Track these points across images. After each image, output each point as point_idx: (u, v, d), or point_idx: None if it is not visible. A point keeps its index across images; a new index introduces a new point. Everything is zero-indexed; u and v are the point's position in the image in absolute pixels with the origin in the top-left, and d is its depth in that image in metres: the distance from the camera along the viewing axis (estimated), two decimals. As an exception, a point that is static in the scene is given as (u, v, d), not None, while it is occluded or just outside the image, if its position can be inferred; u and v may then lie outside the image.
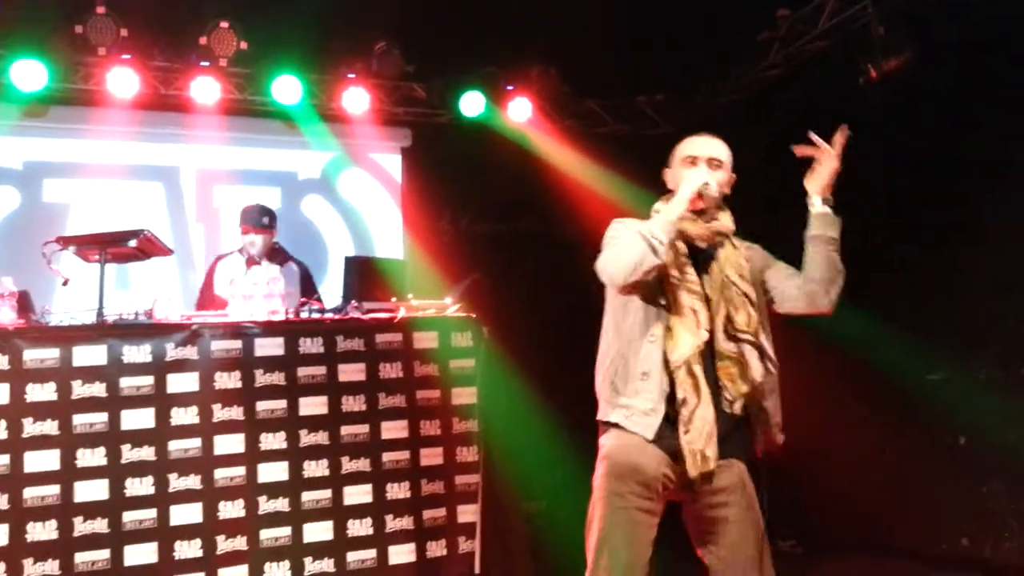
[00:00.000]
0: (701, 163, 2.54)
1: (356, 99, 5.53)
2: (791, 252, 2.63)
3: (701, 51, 5.75)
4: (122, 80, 4.99)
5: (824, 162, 2.49)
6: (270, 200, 5.72)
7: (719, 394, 2.45)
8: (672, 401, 2.43)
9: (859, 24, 5.06)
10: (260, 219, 4.50)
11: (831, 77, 5.19)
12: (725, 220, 2.58)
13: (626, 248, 2.43)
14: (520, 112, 5.92)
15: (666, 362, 2.43)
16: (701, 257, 2.54)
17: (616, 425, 2.53)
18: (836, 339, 4.51)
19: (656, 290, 2.48)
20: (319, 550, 3.71)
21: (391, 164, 6.11)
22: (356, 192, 5.99)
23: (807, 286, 2.55)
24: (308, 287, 4.49)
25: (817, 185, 2.52)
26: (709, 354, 2.45)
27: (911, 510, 4.74)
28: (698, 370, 2.41)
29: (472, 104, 5.78)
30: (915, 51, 4.68)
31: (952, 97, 4.54)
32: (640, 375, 2.46)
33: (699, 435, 2.39)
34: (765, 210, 5.00)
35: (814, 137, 2.48)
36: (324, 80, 5.54)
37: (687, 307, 2.46)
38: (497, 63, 5.87)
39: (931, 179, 4.68)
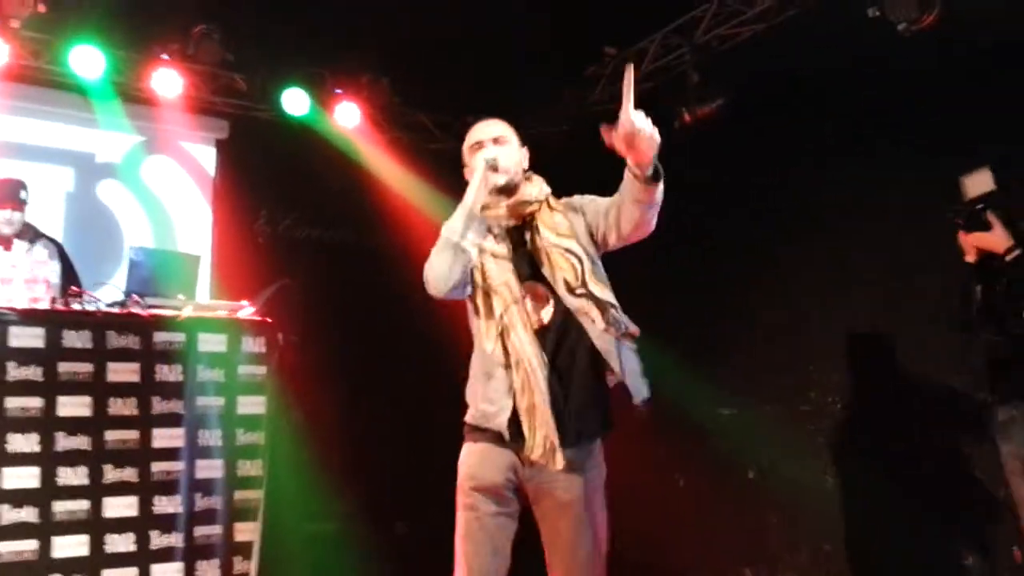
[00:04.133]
0: (487, 144, 2.54)
1: (168, 82, 5.15)
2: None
3: (534, 76, 5.81)
4: None
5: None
6: (62, 181, 5.26)
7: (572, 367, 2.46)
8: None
9: (677, 71, 5.26)
10: (17, 193, 4.09)
11: (651, 118, 5.35)
12: (529, 190, 2.55)
13: (435, 255, 2.41)
14: (348, 117, 5.74)
15: (507, 357, 2.42)
16: (521, 233, 2.54)
17: (473, 428, 2.52)
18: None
19: (480, 284, 2.47)
20: (71, 566, 3.37)
21: (204, 155, 5.75)
22: (162, 182, 5.58)
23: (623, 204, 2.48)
24: (68, 269, 4.11)
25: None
26: (563, 321, 2.46)
27: (698, 542, 4.88)
28: (536, 363, 2.39)
29: (296, 102, 5.54)
30: (727, 99, 4.91)
31: (759, 142, 4.78)
32: (484, 376, 2.47)
33: (543, 431, 2.39)
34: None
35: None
36: (133, 58, 5.13)
37: (511, 294, 2.45)
38: (326, 64, 5.67)
39: (732, 216, 4.90)
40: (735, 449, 4.63)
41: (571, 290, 2.45)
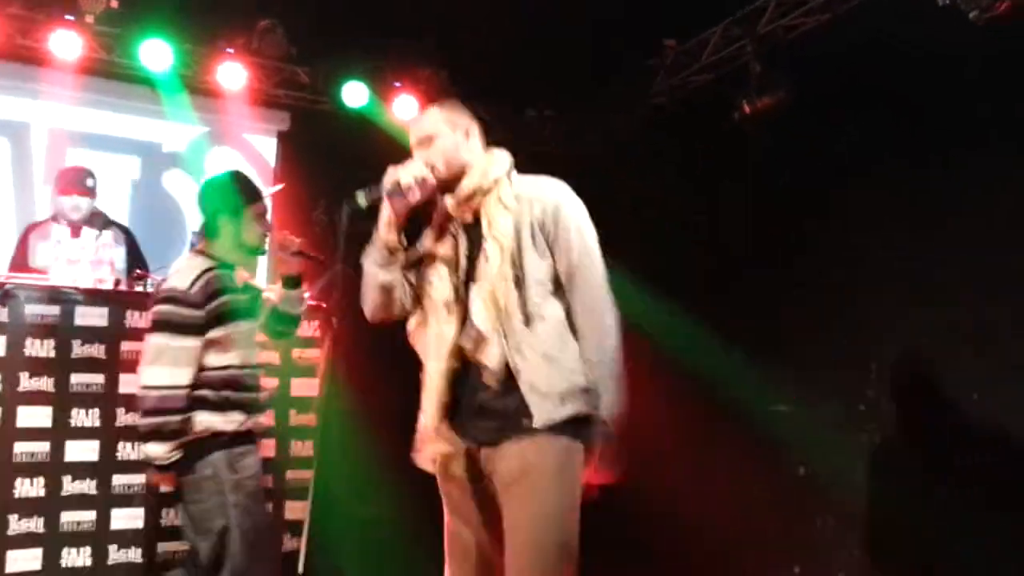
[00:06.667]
0: (414, 151, 2.40)
1: (233, 75, 5.28)
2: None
3: (592, 68, 5.80)
4: (-28, 23, 4.62)
5: None
6: (129, 170, 5.44)
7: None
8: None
9: (740, 62, 5.18)
10: (85, 180, 4.21)
11: (711, 110, 5.29)
12: (466, 182, 2.32)
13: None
14: (406, 110, 5.79)
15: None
16: (476, 232, 2.32)
17: None
18: (682, 364, 4.58)
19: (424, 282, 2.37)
20: (125, 538, 3.48)
21: (265, 147, 5.88)
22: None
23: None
24: (134, 254, 4.22)
25: None
26: None
27: (748, 538, 4.80)
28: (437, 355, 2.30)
29: (355, 95, 5.62)
30: (789, 91, 4.82)
31: (823, 135, 4.68)
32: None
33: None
34: (641, 236, 5.10)
35: None
36: (199, 52, 5.27)
37: (440, 296, 2.31)
38: (386, 57, 5.74)
39: (794, 211, 4.81)
40: (786, 446, 4.55)
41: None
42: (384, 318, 2.40)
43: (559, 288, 2.31)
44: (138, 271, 3.92)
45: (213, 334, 2.95)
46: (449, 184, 2.33)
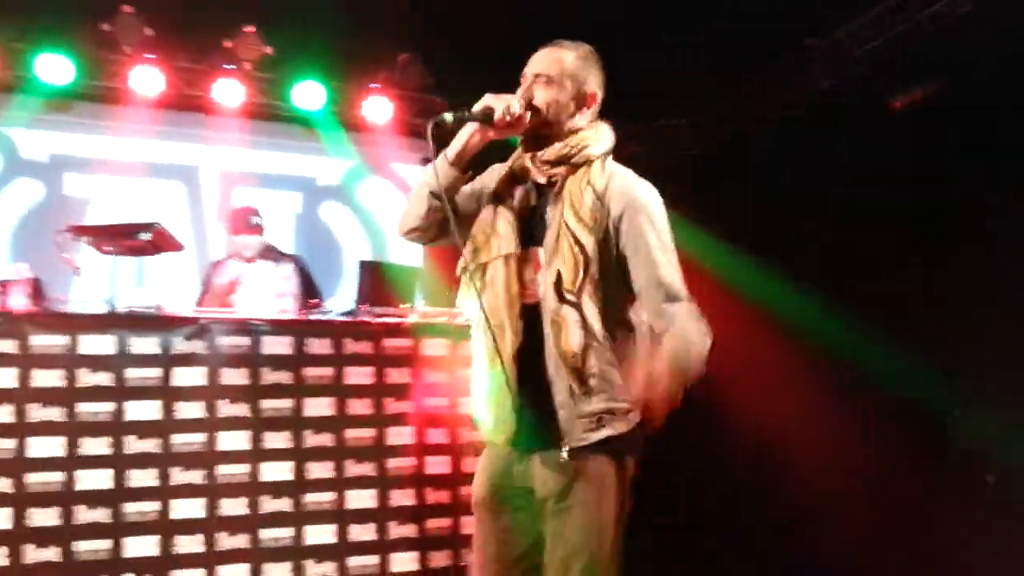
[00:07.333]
0: (529, 79, 2.18)
1: (378, 109, 5.56)
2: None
3: (724, 74, 5.74)
4: (146, 79, 5.04)
5: None
6: (290, 205, 5.78)
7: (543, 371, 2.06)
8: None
9: (887, 55, 5.02)
10: (250, 219, 4.49)
11: (861, 104, 5.15)
12: (559, 146, 2.11)
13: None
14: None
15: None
16: (550, 197, 2.11)
17: None
18: (862, 373, 4.45)
19: (476, 251, 2.16)
20: (321, 553, 3.68)
21: (413, 175, 6.13)
22: (376, 201, 6.00)
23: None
24: (306, 281, 4.46)
25: None
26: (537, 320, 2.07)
27: (932, 550, 4.59)
28: (508, 327, 2.05)
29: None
30: (941, 82, 4.64)
31: (979, 126, 4.48)
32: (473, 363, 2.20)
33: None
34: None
35: None
36: (347, 88, 5.57)
37: (497, 248, 2.12)
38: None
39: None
40: (971, 453, 4.33)
41: (560, 289, 2.03)
42: (413, 236, 2.24)
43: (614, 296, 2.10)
44: (311, 300, 4.16)
45: None
46: (538, 135, 2.14)
